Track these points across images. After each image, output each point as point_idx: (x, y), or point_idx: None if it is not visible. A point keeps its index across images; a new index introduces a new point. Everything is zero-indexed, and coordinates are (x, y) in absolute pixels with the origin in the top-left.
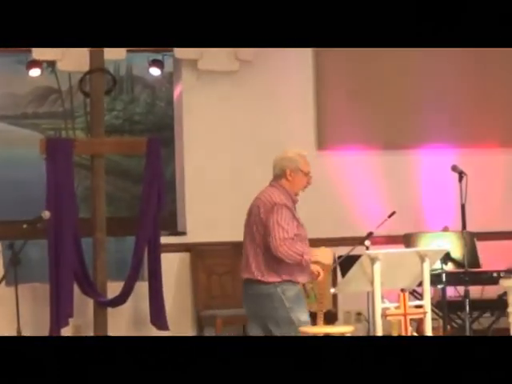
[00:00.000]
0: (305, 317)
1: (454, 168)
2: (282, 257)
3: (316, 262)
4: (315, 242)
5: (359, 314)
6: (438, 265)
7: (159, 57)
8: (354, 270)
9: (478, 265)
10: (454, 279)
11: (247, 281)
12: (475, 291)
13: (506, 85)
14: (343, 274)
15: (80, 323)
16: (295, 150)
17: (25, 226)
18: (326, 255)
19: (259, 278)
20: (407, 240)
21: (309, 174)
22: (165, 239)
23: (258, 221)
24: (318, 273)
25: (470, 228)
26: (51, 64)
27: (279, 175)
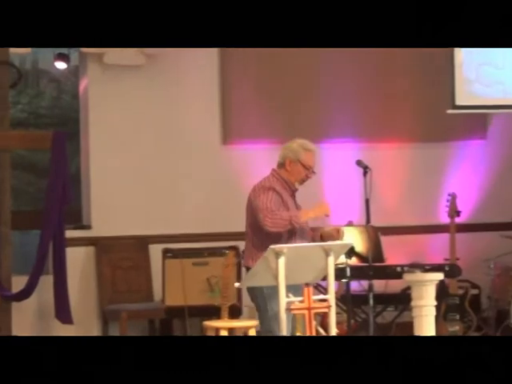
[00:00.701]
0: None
1: (359, 163)
2: (271, 227)
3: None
4: (223, 236)
5: None
6: (342, 259)
7: (65, 51)
8: (258, 264)
9: (382, 259)
10: (358, 273)
11: (246, 268)
12: (379, 285)
13: (408, 81)
14: (247, 269)
15: None
16: (302, 141)
17: None
18: (320, 208)
19: (248, 264)
20: None
21: (310, 169)
22: (70, 233)
23: (248, 207)
24: (326, 209)
25: (374, 222)
26: None
27: (280, 163)
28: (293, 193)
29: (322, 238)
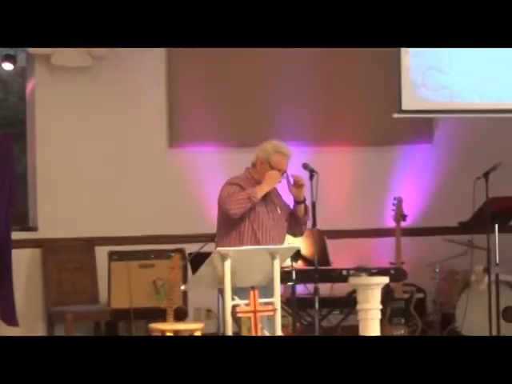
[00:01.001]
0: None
1: (305, 166)
2: (235, 209)
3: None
4: (169, 239)
5: (209, 310)
6: (288, 262)
7: (12, 51)
8: (204, 267)
9: (327, 262)
10: (304, 277)
11: None
12: (325, 289)
13: (356, 85)
14: (194, 271)
15: None
16: (277, 143)
17: None
18: (270, 179)
19: None
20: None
21: (280, 171)
22: (16, 234)
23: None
24: (276, 177)
25: (321, 226)
26: None
27: (252, 163)
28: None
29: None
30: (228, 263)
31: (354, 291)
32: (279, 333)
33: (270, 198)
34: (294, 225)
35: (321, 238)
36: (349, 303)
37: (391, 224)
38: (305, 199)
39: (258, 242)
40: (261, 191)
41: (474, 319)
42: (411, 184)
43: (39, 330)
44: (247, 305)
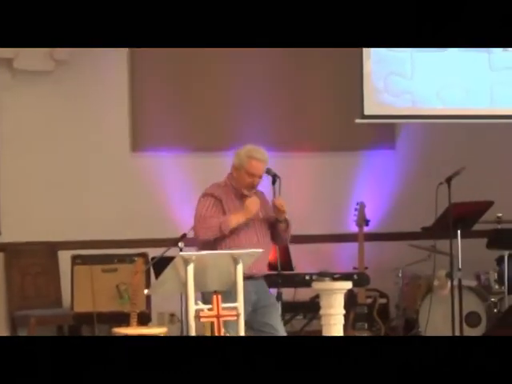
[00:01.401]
0: None
1: (268, 171)
2: (203, 237)
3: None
4: (132, 243)
5: (172, 315)
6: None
7: None
8: (167, 272)
9: (290, 267)
10: (267, 281)
11: None
12: (288, 293)
13: (318, 89)
14: (157, 276)
15: None
16: (250, 148)
17: None
18: (247, 210)
19: None
20: None
21: (254, 176)
22: None
23: None
24: (253, 208)
25: None
26: None
27: (231, 169)
28: (241, 196)
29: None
30: (191, 267)
31: (317, 296)
32: None
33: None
34: (276, 236)
35: None
36: (312, 308)
37: (354, 229)
38: (286, 219)
39: None
40: (235, 221)
41: (437, 324)
42: (374, 189)
43: (2, 334)
44: (210, 309)
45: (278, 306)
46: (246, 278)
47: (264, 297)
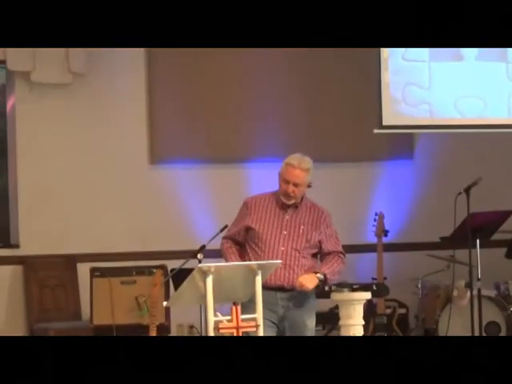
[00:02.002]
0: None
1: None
2: (221, 249)
3: None
4: (151, 255)
5: (192, 326)
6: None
7: None
8: (186, 284)
9: None
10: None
11: None
12: None
13: (336, 100)
14: (176, 287)
15: None
16: (293, 155)
17: None
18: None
19: None
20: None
21: (289, 183)
22: None
23: None
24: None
25: None
26: None
27: None
28: (283, 206)
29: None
30: (210, 279)
31: (336, 307)
32: None
33: (286, 218)
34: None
35: None
36: (331, 319)
37: (373, 239)
38: (318, 284)
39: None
40: None
41: (457, 334)
42: (392, 199)
43: None
44: (229, 321)
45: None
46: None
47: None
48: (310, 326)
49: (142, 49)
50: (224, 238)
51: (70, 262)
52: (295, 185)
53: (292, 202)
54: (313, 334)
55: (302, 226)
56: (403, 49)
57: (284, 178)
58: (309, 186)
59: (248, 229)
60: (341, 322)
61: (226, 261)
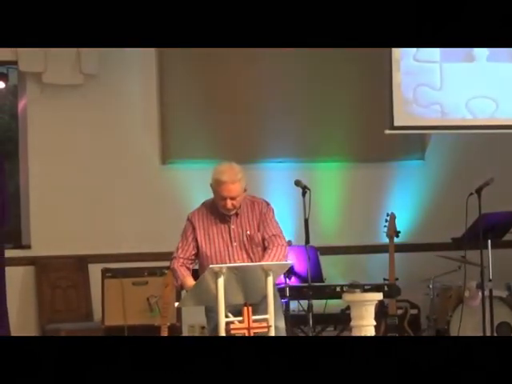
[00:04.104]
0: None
1: (297, 183)
2: (171, 268)
3: None
4: (163, 256)
5: (203, 327)
6: (281, 279)
7: (4, 70)
8: (197, 284)
9: (321, 279)
10: (297, 293)
11: None
12: (318, 305)
13: (347, 101)
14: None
15: None
16: (218, 166)
17: None
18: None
19: None
20: None
21: (226, 199)
22: (9, 252)
23: None
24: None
25: (314, 242)
26: None
27: None
28: (224, 217)
29: None
30: (221, 280)
31: (347, 308)
32: None
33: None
34: None
35: (314, 255)
36: (342, 320)
37: (384, 240)
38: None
39: None
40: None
41: (468, 335)
42: (404, 200)
43: None
44: (241, 322)
45: None
46: None
47: None
48: (280, 327)
49: (152, 49)
50: (174, 258)
51: (81, 262)
52: (232, 198)
53: (233, 212)
54: (284, 335)
55: (247, 232)
56: (415, 49)
57: (219, 195)
58: (244, 190)
59: (198, 246)
60: (352, 323)
61: (178, 278)
